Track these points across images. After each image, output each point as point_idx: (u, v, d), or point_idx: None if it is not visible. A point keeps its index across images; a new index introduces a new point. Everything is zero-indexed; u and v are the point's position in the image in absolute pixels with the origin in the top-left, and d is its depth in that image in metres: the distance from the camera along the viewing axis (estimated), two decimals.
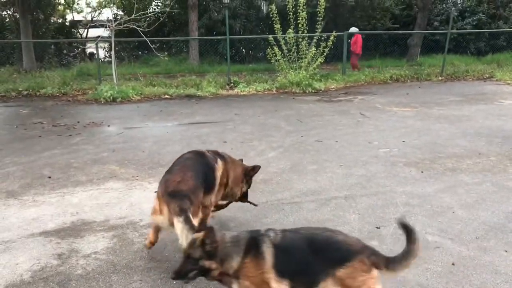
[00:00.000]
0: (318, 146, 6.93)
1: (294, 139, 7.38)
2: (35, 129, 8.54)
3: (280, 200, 4.75)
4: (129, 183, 5.36)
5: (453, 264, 3.42)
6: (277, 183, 5.29)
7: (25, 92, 13.01)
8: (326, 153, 6.51)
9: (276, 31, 13.57)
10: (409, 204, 4.59)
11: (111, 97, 11.86)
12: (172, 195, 3.22)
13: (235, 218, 4.31)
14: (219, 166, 3.78)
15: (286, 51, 13.55)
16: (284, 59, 13.63)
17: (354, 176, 5.49)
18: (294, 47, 13.40)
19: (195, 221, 3.10)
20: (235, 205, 4.55)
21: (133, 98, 12.11)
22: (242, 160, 4.25)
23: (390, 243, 3.75)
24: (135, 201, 4.79)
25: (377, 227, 4.07)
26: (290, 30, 13.27)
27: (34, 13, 18.75)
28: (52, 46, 19.84)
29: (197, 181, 3.42)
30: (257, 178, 5.35)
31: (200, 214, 3.40)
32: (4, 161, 6.29)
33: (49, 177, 5.59)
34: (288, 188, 5.09)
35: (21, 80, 14.24)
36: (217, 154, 3.89)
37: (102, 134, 8.08)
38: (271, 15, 13.66)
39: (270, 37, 13.60)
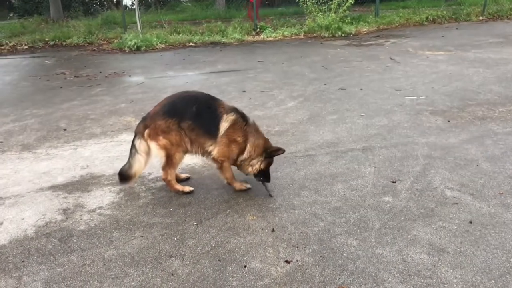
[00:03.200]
0: (341, 94, 6.62)
1: (317, 87, 7.08)
2: (58, 80, 8.55)
3: (294, 153, 4.56)
4: None
5: (470, 222, 3.19)
6: (292, 134, 5.08)
7: (52, 42, 13.04)
8: (349, 102, 6.20)
9: None
10: (431, 157, 4.31)
11: (135, 46, 11.72)
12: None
13: (241, 173, 4.15)
14: (229, 118, 3.58)
15: None
16: (313, 1, 12.99)
17: (375, 126, 5.21)
18: None
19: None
20: None
21: (157, 47, 11.94)
22: None
23: (404, 199, 3.53)
24: None
25: (393, 181, 3.84)
26: None
27: None
28: None
29: (164, 109, 3.56)
30: (272, 129, 5.22)
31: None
32: (23, 113, 6.32)
33: (65, 130, 5.58)
34: (303, 140, 4.88)
35: (47, 30, 14.25)
36: (235, 111, 3.65)
37: (122, 84, 7.99)
38: None
39: None
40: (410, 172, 4.00)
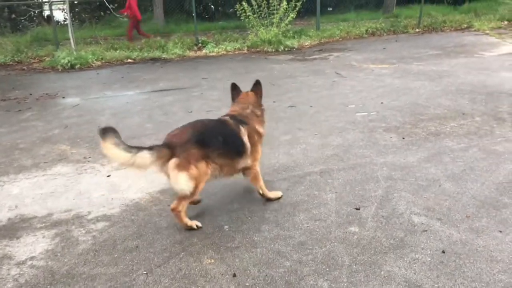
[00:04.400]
0: (292, 112, 6.40)
1: (266, 105, 6.70)
2: None
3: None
4: (79, 166, 4.77)
5: (443, 252, 2.99)
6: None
7: None
8: (300, 121, 5.98)
9: None
10: (391, 178, 4.14)
11: (69, 64, 11.02)
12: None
13: (199, 204, 3.79)
14: (243, 130, 3.61)
15: (256, 6, 12.75)
16: (255, 15, 12.84)
17: (330, 146, 5.00)
18: (265, 2, 12.60)
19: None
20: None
21: (93, 64, 11.29)
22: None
23: (371, 229, 3.30)
24: (84, 189, 4.21)
25: (357, 208, 3.61)
26: None
27: None
28: (6, 10, 18.42)
29: (195, 138, 3.26)
30: None
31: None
32: None
33: None
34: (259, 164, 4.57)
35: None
36: (236, 119, 3.74)
37: (55, 107, 7.37)
38: None
39: None
40: (373, 197, 3.79)
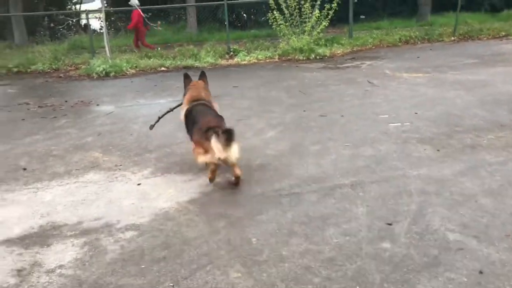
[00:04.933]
0: (322, 121, 6.31)
1: (296, 114, 6.77)
2: (20, 110, 8.00)
3: (278, 190, 4.18)
4: (110, 174, 4.82)
5: (480, 272, 2.85)
6: (275, 169, 4.71)
7: (15, 70, 12.41)
8: (331, 130, 5.89)
9: None
10: (425, 192, 4.00)
11: (104, 72, 11.25)
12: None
13: (226, 215, 3.76)
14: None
15: (288, 15, 12.72)
16: (286, 24, 12.82)
17: (361, 157, 4.89)
18: (296, 10, 12.56)
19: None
20: (226, 200, 4.03)
21: (127, 72, 11.50)
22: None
23: (404, 246, 3.18)
24: (115, 197, 4.25)
25: (389, 224, 3.50)
26: None
27: None
28: (46, 19, 19.05)
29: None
30: (253, 163, 4.85)
31: None
32: None
33: (24, 169, 5.07)
34: (287, 175, 4.51)
35: (11, 57, 13.62)
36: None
37: (89, 114, 7.51)
38: None
39: (270, 0, 12.75)
40: (406, 212, 3.67)
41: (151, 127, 5.25)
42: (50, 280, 3.00)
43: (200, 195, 4.18)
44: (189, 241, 3.39)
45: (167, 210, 3.93)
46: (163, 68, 12.01)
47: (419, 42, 14.20)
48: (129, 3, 14.26)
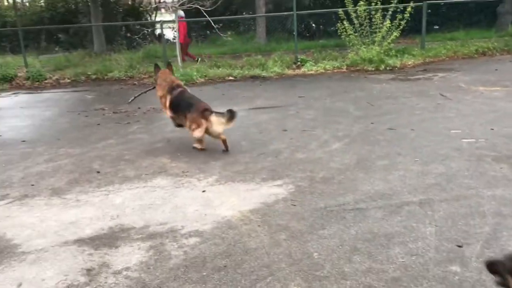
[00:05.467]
0: (391, 135, 6.13)
1: (363, 127, 6.62)
2: (96, 116, 8.45)
3: (342, 205, 4.09)
4: (177, 180, 4.96)
5: None
6: (339, 182, 4.62)
7: (94, 76, 13.15)
8: (399, 145, 5.70)
9: (346, 3, 12.57)
10: (500, 214, 3.75)
11: None
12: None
13: (288, 227, 3.74)
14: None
15: (358, 25, 12.53)
16: (356, 34, 12.63)
17: (431, 174, 4.68)
18: (367, 20, 12.34)
19: None
20: (288, 212, 4.00)
21: (197, 81, 11.81)
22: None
23: (475, 270, 3.00)
24: (180, 202, 4.36)
25: (459, 246, 3.32)
26: (362, 2, 12.21)
27: None
28: (123, 29, 20.07)
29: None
30: (316, 175, 4.80)
31: None
32: (58, 153, 6.15)
33: (98, 172, 5.33)
34: (352, 190, 4.41)
35: (90, 64, 14.45)
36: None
37: (160, 121, 7.78)
38: None
39: (340, 10, 12.63)
40: (479, 234, 3.46)
41: (129, 102, 7.21)
42: (116, 281, 3.12)
43: (262, 205, 4.19)
44: (250, 251, 3.40)
45: (229, 218, 3.97)
46: (231, 78, 12.22)
47: (497, 54, 13.44)
48: (176, 14, 14.78)
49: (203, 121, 5.69)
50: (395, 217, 3.82)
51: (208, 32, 20.74)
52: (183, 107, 5.98)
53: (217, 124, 5.67)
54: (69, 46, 18.80)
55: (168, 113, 6.25)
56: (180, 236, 3.72)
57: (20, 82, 12.84)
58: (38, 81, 12.79)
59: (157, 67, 6.69)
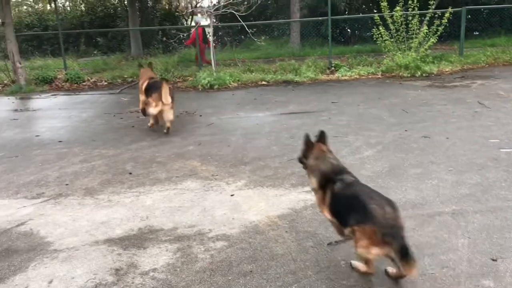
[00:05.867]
0: (425, 143, 5.99)
1: (397, 134, 6.50)
2: (131, 118, 8.62)
3: None
4: (207, 183, 4.99)
5: None
6: None
7: (130, 79, 13.42)
8: (434, 153, 5.56)
9: (382, 9, 12.40)
10: None
11: (208, 84, 11.73)
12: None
13: (315, 234, 3.70)
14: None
15: (394, 30, 12.33)
16: (392, 40, 12.43)
17: (466, 184, 4.54)
18: (403, 26, 12.13)
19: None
20: (316, 219, 3.96)
21: (230, 85, 11.88)
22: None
23: (511, 286, 2.88)
24: (209, 205, 4.38)
25: (493, 259, 3.20)
26: (398, 8, 12.01)
27: (143, 2, 19.40)
28: (159, 33, 20.43)
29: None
30: None
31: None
32: (92, 154, 6.30)
33: (130, 173, 5.43)
34: None
35: (127, 67, 14.77)
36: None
37: (192, 124, 7.87)
38: None
39: (376, 15, 12.48)
40: None
41: (117, 93, 8.44)
42: (143, 282, 3.16)
43: (290, 211, 4.16)
44: (277, 257, 3.38)
45: (257, 223, 3.96)
46: (263, 82, 12.24)
47: None
48: (195, 21, 15.07)
49: (155, 96, 7.09)
50: (426, 227, 3.73)
51: (242, 36, 20.89)
52: (151, 90, 7.21)
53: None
54: (107, 50, 19.32)
55: (141, 97, 7.60)
56: (207, 239, 3.73)
57: (59, 84, 13.25)
58: (76, 83, 13.17)
59: (141, 67, 8.30)
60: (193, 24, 21.27)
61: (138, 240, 3.78)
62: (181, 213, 4.27)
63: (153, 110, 7.17)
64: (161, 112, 7.19)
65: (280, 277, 3.12)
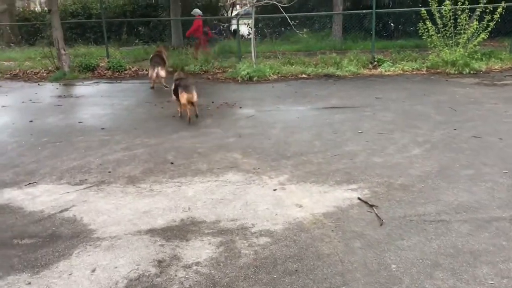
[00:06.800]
0: (476, 143, 5.71)
1: (445, 133, 6.23)
2: (171, 108, 8.60)
3: (422, 216, 3.83)
4: (248, 176, 4.90)
5: None
6: (419, 191, 4.35)
7: (171, 69, 13.46)
8: (486, 154, 5.29)
9: (430, 2, 11.95)
10: None
11: (248, 76, 11.62)
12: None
13: (363, 235, 3.55)
14: None
15: (441, 25, 11.87)
16: (438, 35, 11.97)
17: None
18: (451, 21, 11.66)
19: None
20: (363, 218, 3.81)
21: (269, 78, 11.73)
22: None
23: None
24: (251, 199, 4.29)
25: None
26: (447, 2, 11.54)
27: None
28: None
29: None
30: (395, 182, 4.55)
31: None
32: (134, 142, 6.32)
33: (172, 163, 5.40)
34: (434, 200, 4.13)
35: (168, 58, 14.81)
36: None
37: (232, 116, 7.80)
38: None
39: (423, 9, 12.04)
40: None
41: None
42: (186, 276, 3.10)
43: (335, 209, 4.03)
44: (323, 257, 3.26)
45: (301, 220, 3.85)
46: (303, 75, 12.04)
47: None
48: (192, 12, 15.19)
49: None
50: (482, 233, 3.52)
51: (282, 29, 20.65)
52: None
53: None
54: (148, 39, 19.45)
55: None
56: (250, 234, 3.65)
57: (101, 72, 13.42)
58: (118, 72, 13.32)
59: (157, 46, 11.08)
60: (233, 14, 21.23)
61: (180, 231, 3.73)
62: (223, 205, 4.20)
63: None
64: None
65: (327, 278, 3.00)
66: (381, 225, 3.69)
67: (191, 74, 12.98)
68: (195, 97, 7.33)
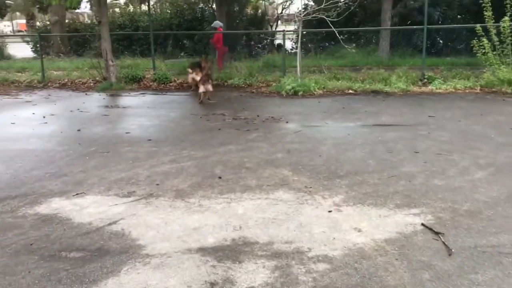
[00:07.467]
0: None
1: (510, 155, 5.81)
2: (217, 120, 8.52)
3: (497, 247, 3.49)
4: (300, 195, 4.67)
5: None
6: (489, 219, 3.99)
7: (215, 82, 13.45)
8: None
9: (486, 19, 11.46)
10: None
11: (293, 90, 11.44)
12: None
13: (431, 265, 3.25)
14: None
15: (498, 42, 11.34)
16: (494, 53, 11.44)
17: None
18: (510, 38, 11.12)
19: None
20: (429, 247, 3.50)
21: (315, 92, 11.51)
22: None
23: None
24: (305, 221, 4.05)
25: None
26: (506, 18, 11.04)
27: (230, 6, 19.57)
28: (244, 37, 20.50)
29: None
30: (460, 207, 4.21)
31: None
32: (181, 154, 6.20)
33: (220, 178, 5.24)
34: (507, 230, 3.77)
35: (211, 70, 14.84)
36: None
37: (279, 131, 7.61)
38: (480, 0, 11.62)
39: (478, 26, 11.55)
40: None
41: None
42: None
43: (398, 235, 3.73)
44: None
45: (361, 246, 3.57)
46: (350, 91, 11.75)
47: None
48: (212, 25, 15.24)
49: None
50: None
51: (326, 43, 20.42)
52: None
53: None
54: (192, 52, 19.63)
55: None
56: (307, 259, 3.40)
57: (147, 83, 13.56)
58: (163, 83, 13.42)
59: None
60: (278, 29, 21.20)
61: (232, 252, 3.53)
62: (276, 226, 3.98)
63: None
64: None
65: None
66: (450, 255, 3.38)
67: (235, 87, 12.94)
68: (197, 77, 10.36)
